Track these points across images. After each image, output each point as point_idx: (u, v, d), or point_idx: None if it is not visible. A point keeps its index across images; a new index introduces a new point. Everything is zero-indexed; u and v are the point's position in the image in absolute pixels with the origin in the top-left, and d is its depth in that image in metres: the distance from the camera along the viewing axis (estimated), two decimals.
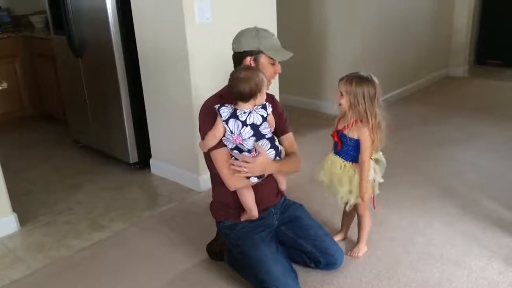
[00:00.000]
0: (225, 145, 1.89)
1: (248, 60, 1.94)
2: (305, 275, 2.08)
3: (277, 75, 2.02)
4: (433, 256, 2.21)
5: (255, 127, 1.83)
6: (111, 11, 2.91)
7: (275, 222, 2.10)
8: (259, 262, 1.91)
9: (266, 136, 1.87)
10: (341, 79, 2.02)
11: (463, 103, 4.64)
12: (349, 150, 2.05)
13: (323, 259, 2.07)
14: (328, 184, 2.15)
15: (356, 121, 2.01)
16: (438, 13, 5.15)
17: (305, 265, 2.12)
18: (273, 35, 2.01)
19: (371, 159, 2.09)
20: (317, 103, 4.45)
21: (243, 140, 1.83)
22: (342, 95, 2.00)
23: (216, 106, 1.85)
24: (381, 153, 2.14)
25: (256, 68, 1.89)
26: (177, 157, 3.08)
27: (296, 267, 2.03)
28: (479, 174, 3.06)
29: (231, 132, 1.83)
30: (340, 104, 2.02)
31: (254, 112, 1.83)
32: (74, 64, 3.42)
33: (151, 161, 3.30)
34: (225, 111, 1.83)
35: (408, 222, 2.52)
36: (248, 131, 1.82)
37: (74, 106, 3.70)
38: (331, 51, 4.28)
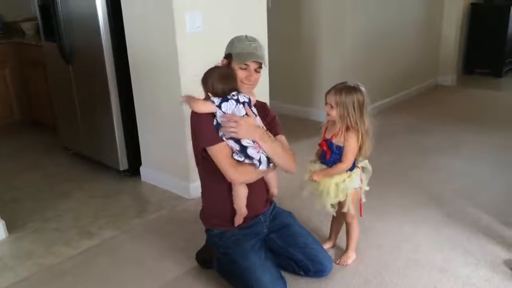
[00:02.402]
0: (223, 140, 1.88)
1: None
2: (295, 282, 2.09)
3: (253, 80, 1.96)
4: (420, 263, 2.24)
5: (247, 104, 1.90)
6: (102, 18, 2.92)
7: (264, 230, 2.11)
8: (249, 270, 1.92)
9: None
10: (328, 92, 2.04)
11: (451, 111, 4.70)
12: (337, 158, 2.07)
13: (312, 267, 2.09)
14: (317, 195, 2.16)
15: (344, 129, 2.03)
16: (426, 23, 5.22)
17: (294, 272, 2.13)
18: (252, 40, 1.96)
19: (357, 167, 2.12)
20: (307, 110, 4.48)
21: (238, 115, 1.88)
22: (332, 107, 2.02)
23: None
24: (367, 161, 2.16)
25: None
26: (167, 165, 3.08)
27: (285, 275, 2.04)
28: (466, 182, 3.10)
29: (224, 113, 1.86)
30: (329, 115, 2.05)
31: (239, 95, 1.90)
32: (65, 71, 3.42)
33: (141, 168, 3.30)
34: (215, 99, 1.88)
35: (395, 229, 2.55)
36: (241, 108, 1.88)
37: (64, 113, 3.69)
38: (321, 60, 4.33)
